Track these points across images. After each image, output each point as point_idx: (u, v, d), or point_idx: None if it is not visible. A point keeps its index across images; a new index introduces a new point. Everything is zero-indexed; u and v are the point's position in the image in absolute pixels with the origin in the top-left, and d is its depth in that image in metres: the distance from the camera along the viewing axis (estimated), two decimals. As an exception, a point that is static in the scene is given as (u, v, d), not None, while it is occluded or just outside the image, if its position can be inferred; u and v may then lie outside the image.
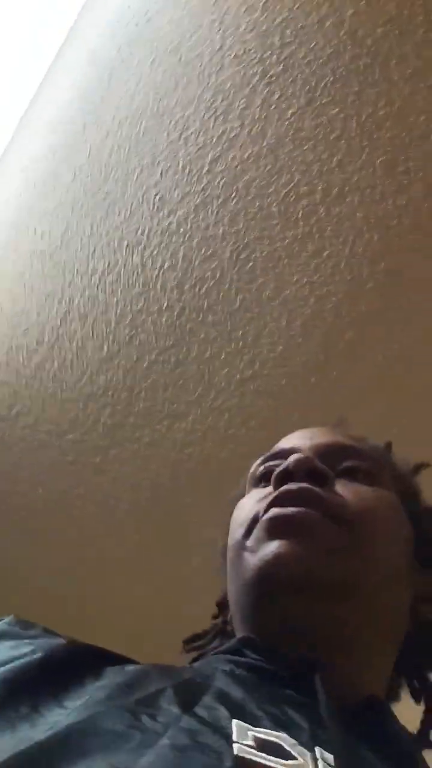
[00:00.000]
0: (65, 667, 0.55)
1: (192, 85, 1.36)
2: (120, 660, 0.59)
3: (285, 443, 0.76)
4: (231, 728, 0.48)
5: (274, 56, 1.32)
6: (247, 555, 0.66)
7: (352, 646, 0.63)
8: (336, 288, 1.44)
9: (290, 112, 1.34)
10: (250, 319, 1.49)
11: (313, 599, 0.61)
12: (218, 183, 1.41)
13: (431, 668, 0.74)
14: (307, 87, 1.32)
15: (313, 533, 0.63)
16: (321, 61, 1.30)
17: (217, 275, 1.47)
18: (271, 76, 1.33)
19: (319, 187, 1.38)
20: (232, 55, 1.33)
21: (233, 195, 1.41)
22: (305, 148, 1.35)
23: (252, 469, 0.77)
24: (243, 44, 1.32)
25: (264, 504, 0.67)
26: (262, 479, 0.74)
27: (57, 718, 0.48)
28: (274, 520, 0.64)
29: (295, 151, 1.36)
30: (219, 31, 1.32)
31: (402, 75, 1.29)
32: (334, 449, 0.73)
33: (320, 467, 0.67)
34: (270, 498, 0.66)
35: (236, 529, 0.70)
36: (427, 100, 1.31)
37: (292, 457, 0.68)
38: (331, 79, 1.31)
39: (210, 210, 1.43)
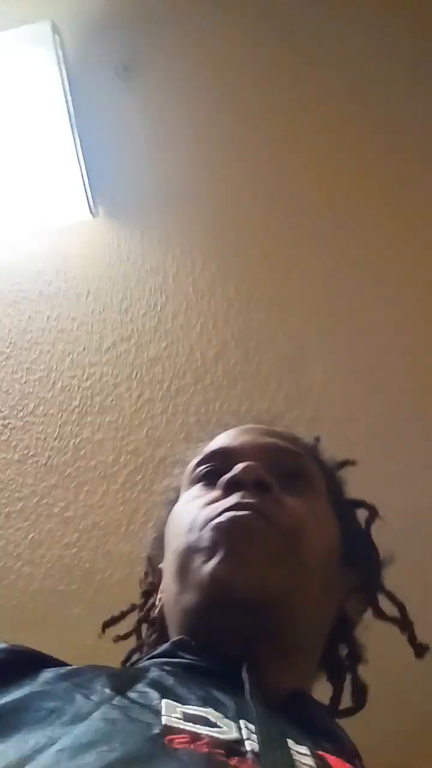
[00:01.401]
0: (5, 669, 0.56)
1: None
2: (57, 663, 0.61)
3: (224, 441, 0.77)
4: (161, 706, 0.51)
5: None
6: (198, 557, 0.66)
7: (287, 649, 0.65)
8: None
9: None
10: None
11: (259, 608, 0.63)
12: None
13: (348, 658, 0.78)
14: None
15: (265, 541, 0.65)
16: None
17: None
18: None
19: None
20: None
21: None
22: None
23: (190, 468, 0.78)
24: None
25: (215, 509, 0.67)
26: (203, 479, 0.74)
27: None
28: (231, 523, 0.65)
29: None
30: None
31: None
32: (275, 452, 0.74)
33: (267, 479, 0.69)
34: (223, 505, 0.67)
35: (184, 530, 0.69)
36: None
37: (241, 466, 0.69)
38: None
39: None
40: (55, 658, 0.61)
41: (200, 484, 0.75)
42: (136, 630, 0.82)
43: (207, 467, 0.75)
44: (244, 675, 0.59)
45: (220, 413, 1.45)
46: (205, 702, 0.54)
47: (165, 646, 0.67)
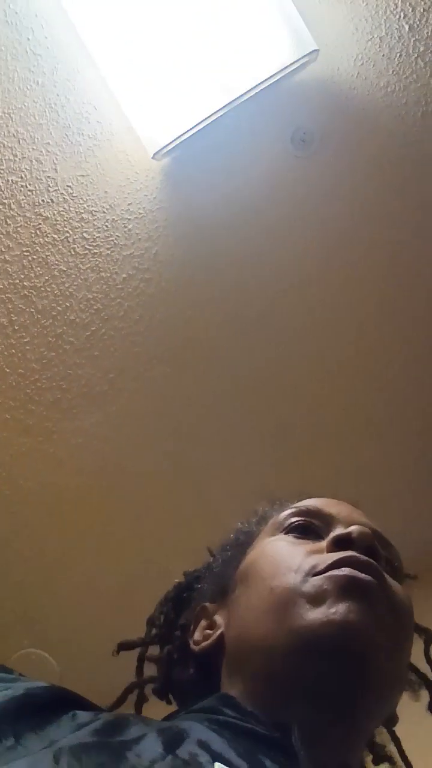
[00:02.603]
0: (44, 707, 0.55)
1: None
2: (93, 707, 0.59)
3: (321, 504, 0.76)
4: None
5: None
6: (302, 603, 0.64)
7: (356, 720, 0.63)
8: None
9: None
10: None
11: (362, 664, 0.61)
12: None
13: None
14: None
15: (379, 608, 0.63)
16: None
17: None
18: None
19: None
20: None
21: None
22: None
23: (281, 517, 0.76)
24: None
25: (323, 559, 0.66)
26: (297, 531, 0.74)
27: (39, 752, 0.49)
28: (351, 580, 0.63)
29: None
30: None
31: None
32: (378, 535, 0.72)
33: (379, 550, 0.68)
34: (335, 557, 0.65)
35: (281, 572, 0.68)
36: None
37: (357, 528, 0.68)
38: None
39: None
40: (89, 701, 0.60)
41: (292, 534, 0.74)
42: (164, 662, 0.80)
43: (302, 520, 0.75)
44: (296, 743, 0.57)
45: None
46: None
47: (209, 700, 0.66)
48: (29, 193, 1.46)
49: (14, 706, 0.54)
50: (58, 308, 1.50)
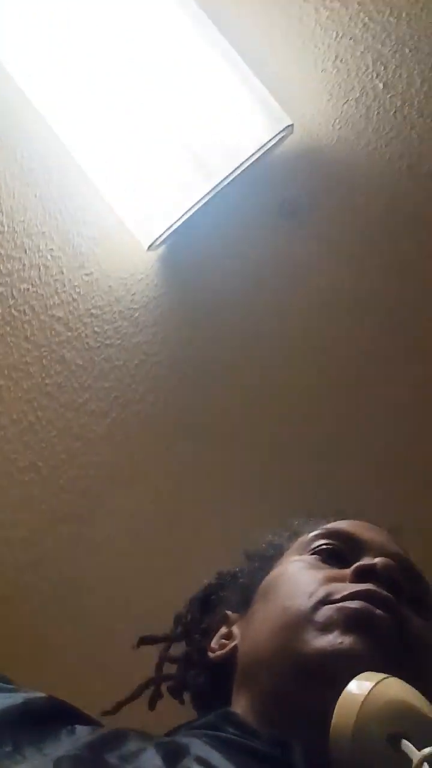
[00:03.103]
0: (43, 718, 0.56)
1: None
2: (92, 721, 0.61)
3: (351, 527, 0.76)
4: None
5: None
6: (311, 629, 0.64)
7: None
8: None
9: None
10: None
11: None
12: None
13: None
14: None
15: (390, 644, 0.63)
16: None
17: None
18: None
19: None
20: None
21: None
22: None
23: (308, 537, 0.77)
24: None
25: (340, 588, 0.67)
26: (322, 554, 0.74)
27: (38, 761, 0.50)
28: (361, 614, 0.63)
29: None
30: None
31: None
32: (407, 567, 0.72)
33: (403, 583, 0.68)
34: (353, 588, 0.66)
35: (297, 594, 0.69)
36: None
37: (382, 561, 0.68)
38: None
39: None
40: (88, 715, 0.61)
41: (317, 557, 0.74)
42: (182, 663, 0.83)
43: (329, 544, 0.75)
44: (297, 761, 0.57)
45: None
46: None
47: (209, 717, 0.66)
48: (40, 297, 1.56)
49: (14, 715, 0.54)
50: (79, 400, 1.59)
